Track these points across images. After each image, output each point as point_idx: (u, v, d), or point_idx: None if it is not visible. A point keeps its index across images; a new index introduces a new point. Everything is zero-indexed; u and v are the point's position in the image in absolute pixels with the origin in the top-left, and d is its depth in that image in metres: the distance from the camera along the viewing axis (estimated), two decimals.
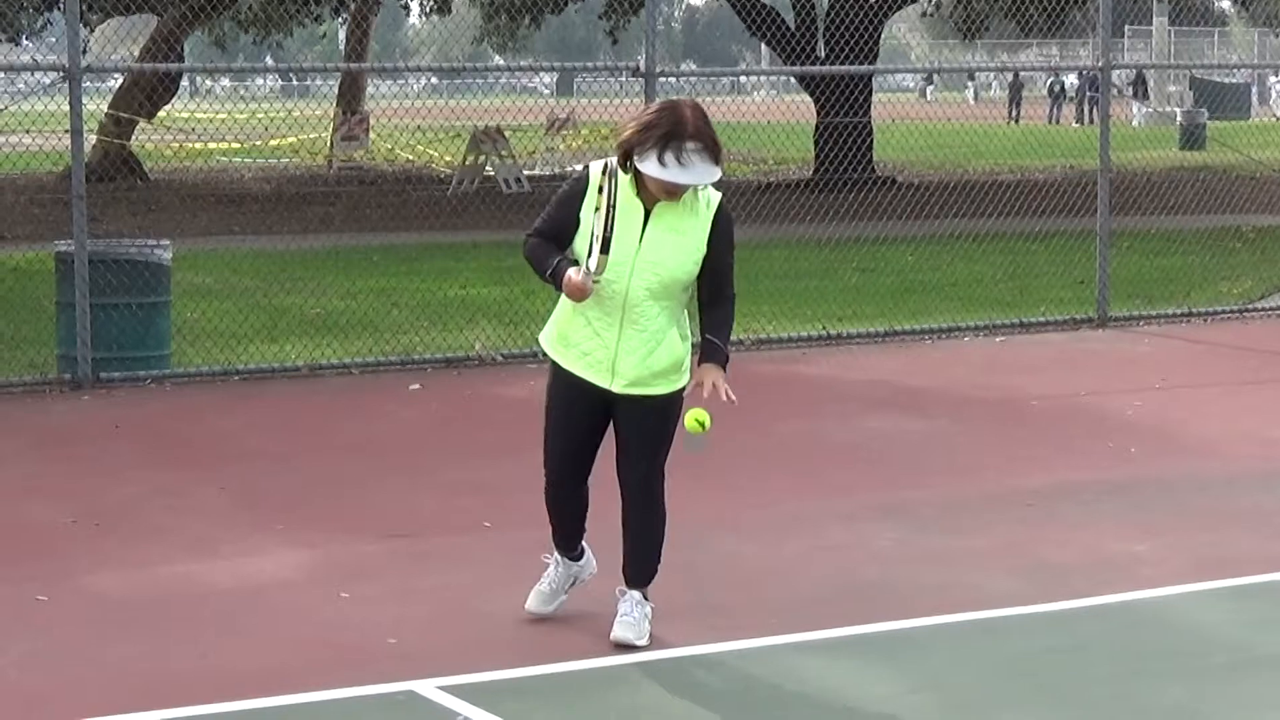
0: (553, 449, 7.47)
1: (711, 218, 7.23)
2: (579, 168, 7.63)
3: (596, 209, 7.15)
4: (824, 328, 15.56)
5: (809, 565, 8.61)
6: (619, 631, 7.35)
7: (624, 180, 7.19)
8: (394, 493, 10.07)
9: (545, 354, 7.48)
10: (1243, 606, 8.05)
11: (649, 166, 7.00)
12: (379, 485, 10.29)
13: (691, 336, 7.41)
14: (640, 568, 7.50)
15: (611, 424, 7.42)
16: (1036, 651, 7.35)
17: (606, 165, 7.23)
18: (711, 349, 7.33)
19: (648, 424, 7.33)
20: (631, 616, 7.39)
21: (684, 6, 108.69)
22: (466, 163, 30.63)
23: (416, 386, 13.27)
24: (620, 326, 7.22)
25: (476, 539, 9.09)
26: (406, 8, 42.19)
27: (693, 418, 7.14)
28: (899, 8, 35.34)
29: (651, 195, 7.17)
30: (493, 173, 30.39)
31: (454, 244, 21.89)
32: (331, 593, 8.12)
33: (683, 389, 7.35)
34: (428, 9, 38.37)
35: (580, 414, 7.39)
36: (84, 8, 22.19)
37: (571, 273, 7.11)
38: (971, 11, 35.80)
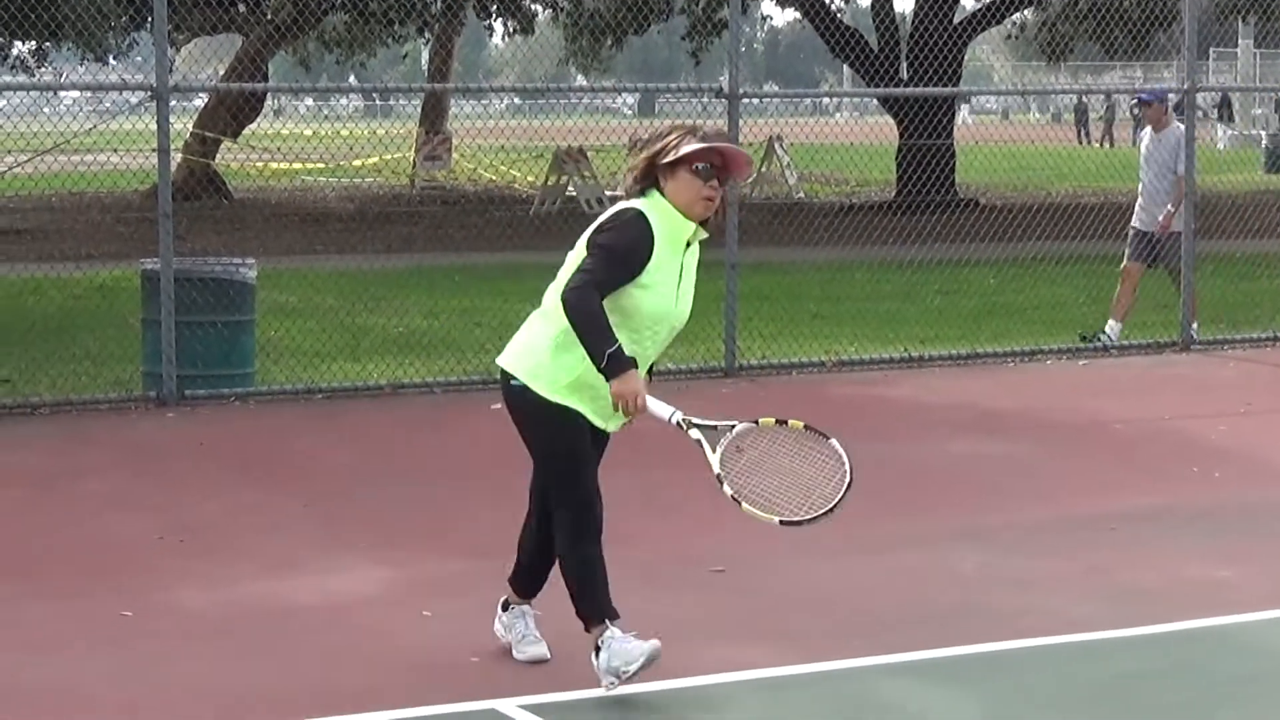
0: None
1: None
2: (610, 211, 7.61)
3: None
4: (906, 350, 15.53)
5: (890, 588, 8.59)
6: None
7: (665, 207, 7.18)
8: (476, 511, 10.11)
9: None
10: None
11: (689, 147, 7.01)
12: (461, 504, 10.32)
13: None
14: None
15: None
16: (1120, 676, 7.31)
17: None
18: None
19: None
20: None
21: (767, 28, 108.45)
22: (549, 183, 30.72)
23: (499, 406, 13.28)
24: None
25: None
26: (490, 28, 42.32)
27: None
28: (983, 29, 35.27)
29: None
30: (575, 193, 30.45)
31: (536, 264, 21.78)
32: (415, 611, 8.15)
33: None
34: (511, 30, 38.48)
35: None
36: (170, 28, 22.34)
37: (645, 395, 6.99)
38: (1056, 34, 35.67)
